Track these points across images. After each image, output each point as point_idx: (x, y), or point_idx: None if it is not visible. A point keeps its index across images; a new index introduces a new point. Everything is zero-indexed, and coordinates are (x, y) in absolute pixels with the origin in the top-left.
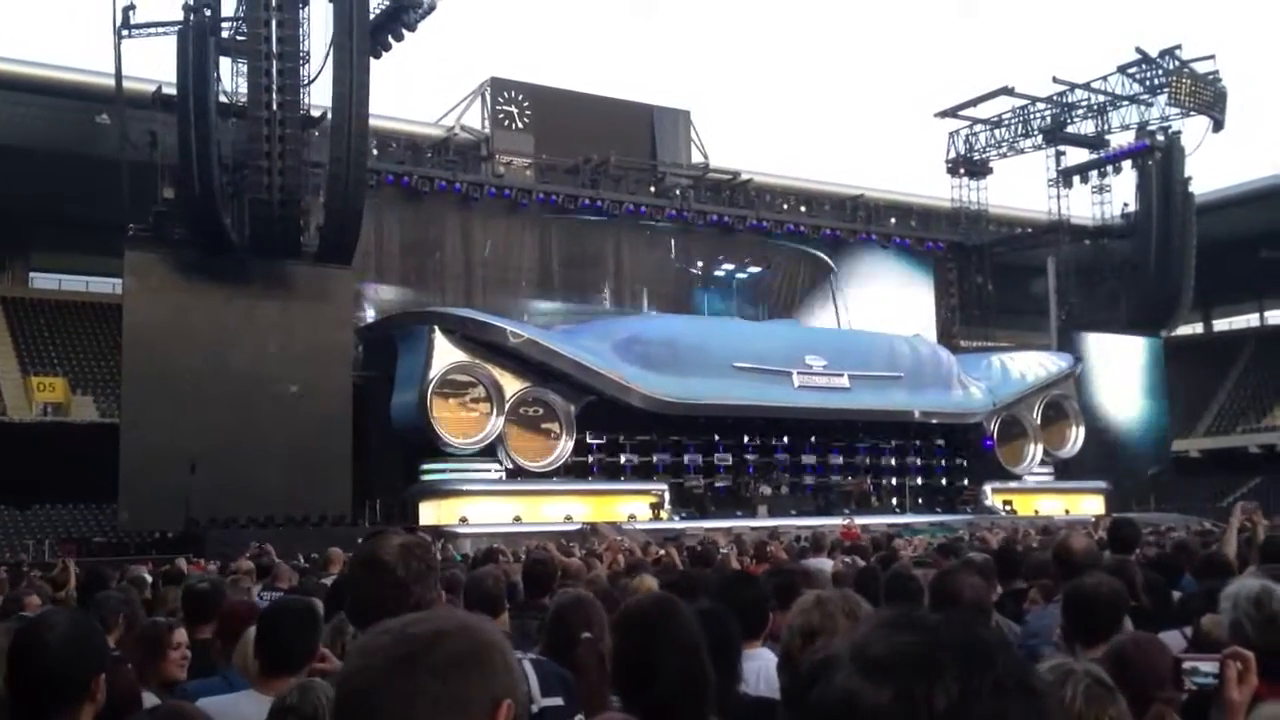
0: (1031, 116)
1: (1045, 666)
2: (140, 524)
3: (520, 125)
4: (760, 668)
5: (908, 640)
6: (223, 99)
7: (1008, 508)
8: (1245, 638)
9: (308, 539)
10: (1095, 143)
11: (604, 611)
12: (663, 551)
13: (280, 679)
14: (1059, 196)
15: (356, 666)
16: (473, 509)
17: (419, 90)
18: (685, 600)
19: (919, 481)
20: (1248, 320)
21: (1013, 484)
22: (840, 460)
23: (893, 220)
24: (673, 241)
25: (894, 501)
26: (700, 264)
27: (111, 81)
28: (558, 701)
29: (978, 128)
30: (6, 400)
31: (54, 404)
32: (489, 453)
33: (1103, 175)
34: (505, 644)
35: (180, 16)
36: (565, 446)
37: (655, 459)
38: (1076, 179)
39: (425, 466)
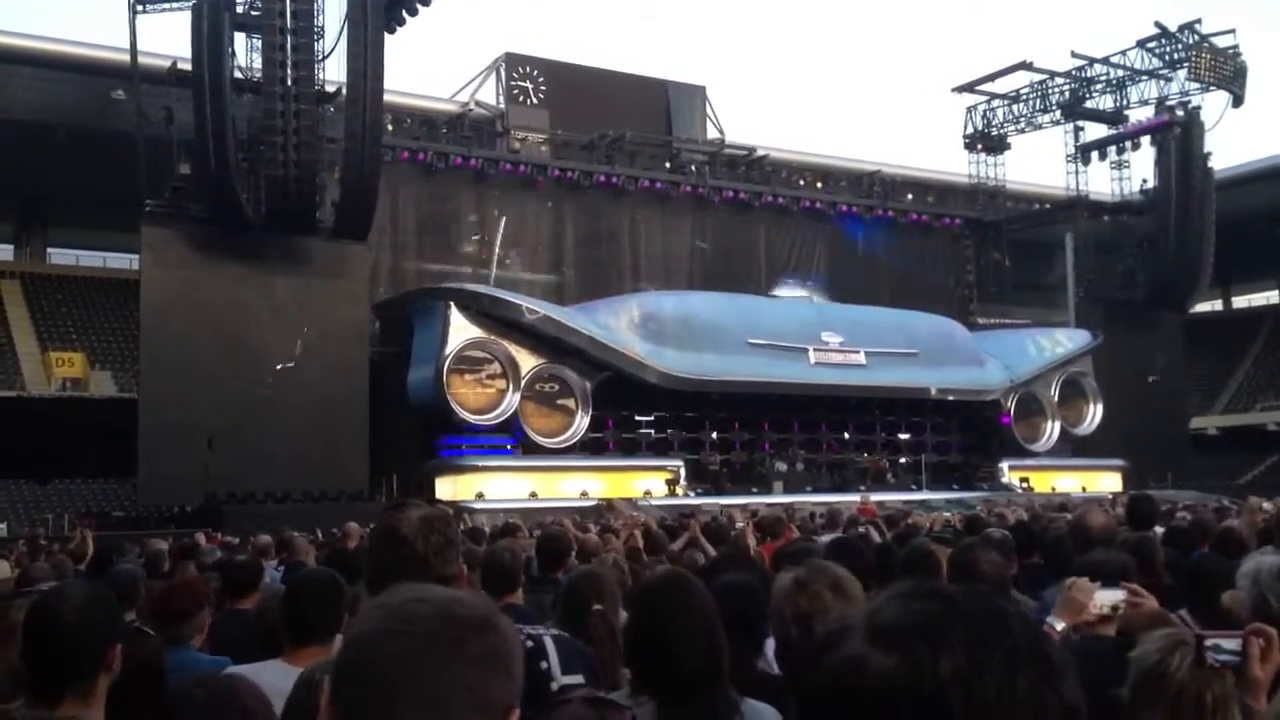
0: (1050, 91)
1: (1159, 634)
2: (158, 498)
3: (535, 101)
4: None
5: (919, 608)
6: (238, 74)
7: (1024, 485)
8: (1270, 614)
9: (325, 514)
10: (1114, 118)
11: (617, 586)
12: (686, 536)
13: (305, 650)
14: (1077, 172)
15: (394, 630)
16: (489, 484)
17: (434, 66)
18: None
19: (935, 458)
20: (1267, 297)
21: (1029, 461)
22: (856, 437)
23: (910, 196)
24: (688, 217)
25: (910, 479)
26: (706, 245)
27: (127, 57)
28: (578, 679)
29: (995, 103)
30: (25, 375)
31: (72, 379)
32: (505, 429)
33: (1121, 151)
34: (522, 652)
35: None
36: (581, 422)
37: (671, 435)
38: (1095, 155)
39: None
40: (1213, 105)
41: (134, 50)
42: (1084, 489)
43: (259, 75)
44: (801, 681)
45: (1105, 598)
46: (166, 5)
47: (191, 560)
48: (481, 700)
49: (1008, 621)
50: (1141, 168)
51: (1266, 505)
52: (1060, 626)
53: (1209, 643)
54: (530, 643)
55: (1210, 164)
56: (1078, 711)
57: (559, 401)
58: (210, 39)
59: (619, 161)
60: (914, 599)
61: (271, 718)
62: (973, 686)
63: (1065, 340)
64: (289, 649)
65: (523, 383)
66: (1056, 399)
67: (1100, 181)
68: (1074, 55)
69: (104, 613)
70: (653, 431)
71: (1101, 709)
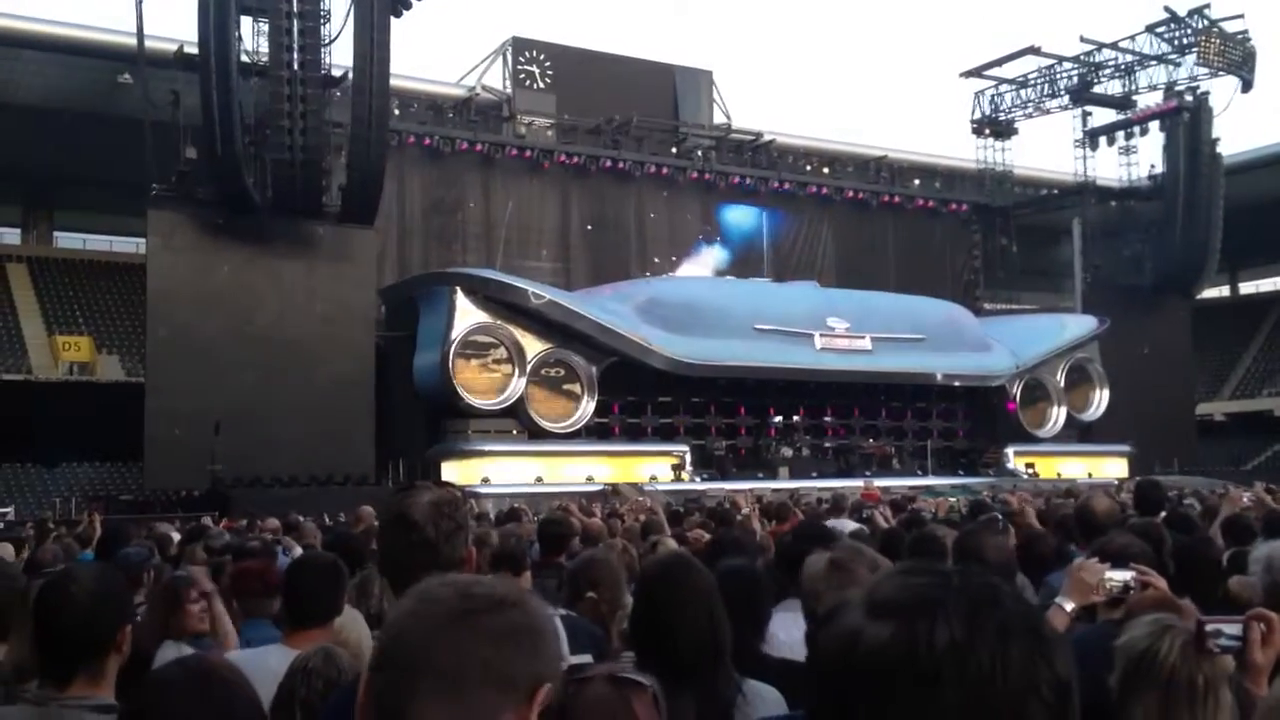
0: (1058, 76)
1: (1146, 620)
2: (165, 483)
3: (542, 85)
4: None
5: (916, 583)
6: (244, 58)
7: (1030, 470)
8: None
9: (331, 498)
10: (1122, 103)
11: (617, 571)
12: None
13: (306, 633)
14: (1085, 157)
15: (415, 611)
16: (495, 469)
17: (441, 50)
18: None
19: (941, 444)
20: (1275, 283)
21: (1035, 447)
22: (862, 422)
23: (916, 182)
24: (695, 203)
25: (915, 464)
26: (710, 227)
27: (133, 40)
28: (586, 659)
29: (1003, 88)
30: (32, 359)
31: (79, 363)
32: (510, 414)
33: (1129, 136)
34: (558, 631)
35: None
36: (587, 408)
37: (676, 420)
38: (1103, 140)
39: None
40: (1221, 90)
41: (140, 34)
42: (1090, 475)
43: (266, 59)
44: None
45: (1114, 578)
46: None
47: (199, 543)
48: (500, 674)
49: (1001, 596)
50: (1149, 153)
51: (1247, 496)
52: (1070, 607)
53: (1210, 627)
54: None
55: (1219, 149)
56: (1069, 684)
57: (565, 386)
58: (217, 23)
59: (625, 146)
60: (912, 575)
61: (253, 694)
62: (966, 657)
63: (1072, 326)
64: (289, 632)
65: (529, 367)
66: (1063, 385)
67: (1108, 167)
68: (1083, 40)
69: (114, 594)
70: (658, 417)
71: (1099, 697)
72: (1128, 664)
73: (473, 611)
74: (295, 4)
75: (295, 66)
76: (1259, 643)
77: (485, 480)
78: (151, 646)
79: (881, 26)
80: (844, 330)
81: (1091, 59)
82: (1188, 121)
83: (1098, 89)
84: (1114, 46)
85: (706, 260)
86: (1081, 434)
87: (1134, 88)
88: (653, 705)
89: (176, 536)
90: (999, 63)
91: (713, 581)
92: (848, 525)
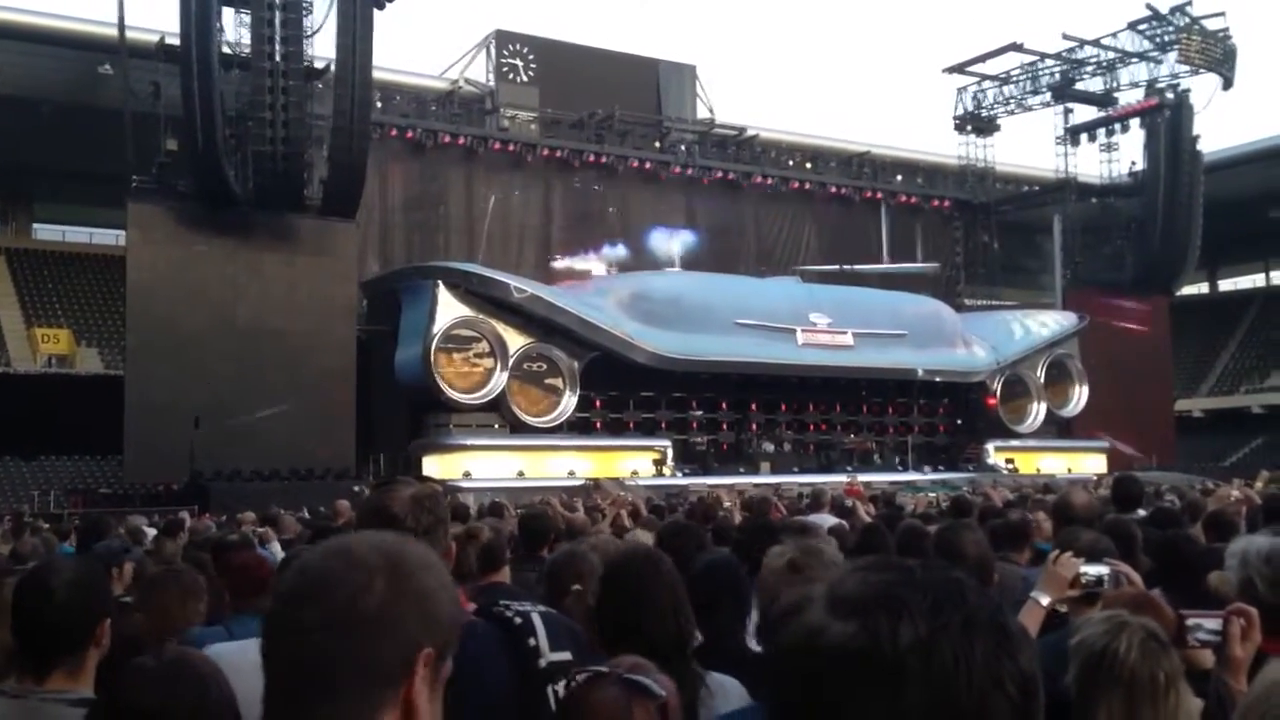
0: (1040, 73)
1: (1100, 617)
2: (144, 476)
3: (525, 79)
4: None
5: (878, 579)
6: (226, 50)
7: (1010, 466)
8: (1255, 595)
9: (312, 492)
10: (1104, 100)
11: (597, 566)
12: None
13: None
14: (1066, 154)
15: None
16: (476, 463)
17: (424, 43)
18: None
19: (922, 439)
20: (1253, 280)
21: (1015, 442)
22: (843, 418)
23: (899, 177)
24: (677, 197)
25: (896, 459)
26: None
27: (114, 31)
28: (566, 655)
29: (986, 84)
30: (11, 352)
31: (58, 355)
32: (492, 408)
33: (1111, 133)
34: (458, 603)
35: None
36: (569, 402)
37: (658, 415)
38: (1084, 137)
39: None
40: (1202, 88)
41: (121, 25)
42: (1069, 470)
43: (247, 51)
44: (766, 651)
45: (1090, 572)
46: None
47: (173, 537)
48: (376, 620)
49: (965, 592)
50: (1130, 150)
51: (1235, 493)
52: (1046, 601)
53: (1190, 621)
54: (518, 619)
55: (1199, 146)
56: (1034, 679)
57: (547, 381)
58: (198, 14)
59: (608, 140)
60: (873, 571)
61: (226, 687)
62: (931, 653)
63: (1052, 322)
64: None
65: (510, 362)
66: (1043, 381)
67: (1089, 164)
68: (1065, 37)
69: (94, 587)
70: (641, 411)
71: (1058, 695)
72: (1086, 662)
73: (391, 565)
74: None
75: (277, 58)
76: (1238, 637)
77: (467, 474)
78: (151, 641)
79: (865, 23)
80: (826, 326)
81: (1073, 56)
82: (1168, 119)
83: (1079, 86)
84: (1096, 44)
85: (602, 259)
86: (1061, 430)
87: (1115, 85)
88: (657, 716)
89: (151, 531)
90: (981, 59)
91: (676, 575)
92: (828, 520)
